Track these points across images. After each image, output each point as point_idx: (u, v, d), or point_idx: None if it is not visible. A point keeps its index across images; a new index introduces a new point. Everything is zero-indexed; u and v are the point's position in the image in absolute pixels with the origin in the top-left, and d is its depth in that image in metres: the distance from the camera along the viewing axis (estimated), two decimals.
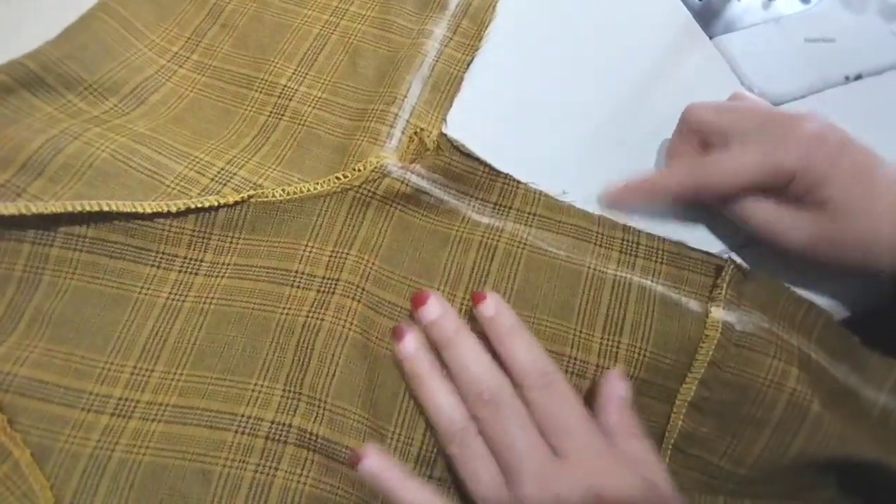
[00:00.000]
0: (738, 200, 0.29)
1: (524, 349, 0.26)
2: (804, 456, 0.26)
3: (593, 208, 0.31)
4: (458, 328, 0.26)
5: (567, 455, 0.24)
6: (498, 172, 0.31)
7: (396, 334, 0.27)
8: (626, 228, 0.31)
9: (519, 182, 0.31)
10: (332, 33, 0.37)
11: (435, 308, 0.26)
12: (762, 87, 0.37)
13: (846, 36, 0.39)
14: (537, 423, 0.24)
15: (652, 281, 0.29)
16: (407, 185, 0.30)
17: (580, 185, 0.32)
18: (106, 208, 0.27)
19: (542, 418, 0.24)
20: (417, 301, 0.27)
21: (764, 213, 0.29)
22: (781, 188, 0.28)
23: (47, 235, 0.28)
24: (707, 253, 0.30)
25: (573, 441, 0.24)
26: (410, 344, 0.26)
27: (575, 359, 0.28)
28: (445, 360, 0.26)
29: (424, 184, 0.30)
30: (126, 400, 0.26)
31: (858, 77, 0.38)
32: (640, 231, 0.31)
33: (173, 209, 0.28)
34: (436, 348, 0.26)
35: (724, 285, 0.29)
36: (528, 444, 0.24)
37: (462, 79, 0.36)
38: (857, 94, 0.37)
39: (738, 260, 0.30)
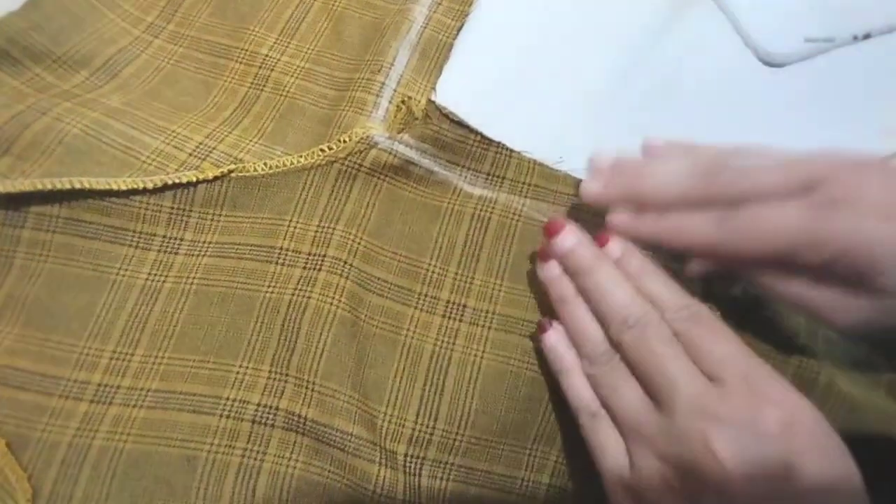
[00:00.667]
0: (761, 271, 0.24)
1: (661, 284, 0.24)
2: None
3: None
4: (596, 255, 0.24)
5: (726, 381, 0.21)
6: (490, 141, 0.29)
7: (542, 257, 0.26)
8: None
9: (512, 151, 0.30)
10: (315, 1, 0.35)
11: (571, 236, 0.25)
12: (766, 47, 0.35)
13: None
14: (688, 353, 0.22)
15: (652, 253, 0.28)
16: (395, 155, 0.28)
17: (577, 152, 0.31)
18: (78, 186, 0.26)
19: (693, 347, 0.22)
20: (552, 230, 0.25)
21: (795, 290, 0.23)
22: (820, 267, 0.22)
23: (18, 216, 0.26)
24: None
25: (731, 367, 0.21)
26: (555, 267, 0.25)
27: None
28: (585, 288, 0.24)
29: (413, 154, 0.28)
30: (106, 386, 0.25)
31: (867, 36, 0.36)
32: None
33: (150, 186, 0.27)
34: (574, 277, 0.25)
35: None
36: (681, 365, 0.21)
37: (451, 45, 0.34)
38: (866, 54, 0.36)
39: None
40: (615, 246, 0.25)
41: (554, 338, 0.25)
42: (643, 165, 0.26)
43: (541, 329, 0.25)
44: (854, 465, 0.21)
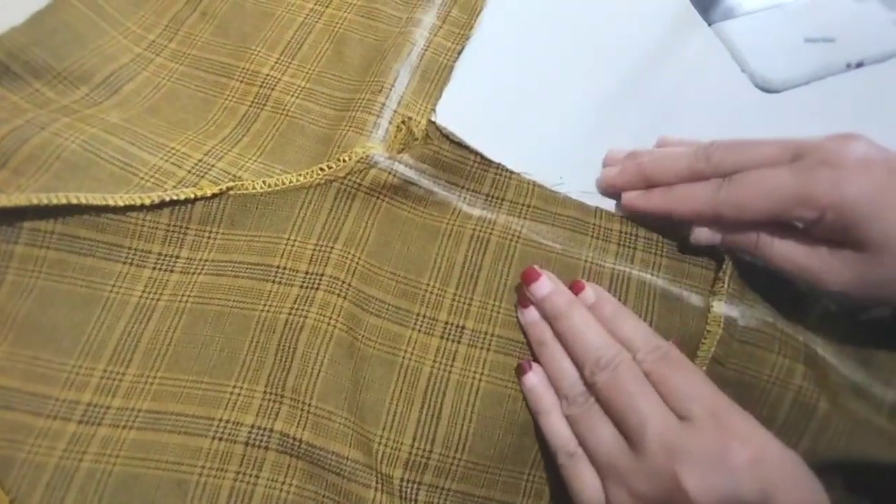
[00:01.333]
0: (758, 235, 0.26)
1: (633, 327, 0.25)
2: (811, 456, 0.25)
3: (590, 198, 0.30)
4: (570, 301, 0.26)
5: (695, 418, 0.22)
6: (490, 162, 0.29)
7: (521, 303, 0.27)
8: (623, 220, 0.29)
9: (511, 172, 0.30)
10: (316, 22, 0.35)
11: (546, 284, 0.26)
12: (763, 75, 0.35)
13: (848, 24, 0.38)
14: (658, 392, 0.23)
15: (651, 274, 0.28)
16: (394, 175, 0.28)
17: (577, 175, 0.31)
18: (74, 201, 0.26)
19: (662, 386, 0.23)
20: (528, 278, 0.27)
21: (790, 253, 0.26)
22: (810, 223, 0.25)
23: (11, 231, 0.26)
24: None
25: (699, 404, 0.22)
26: (533, 313, 0.27)
27: None
28: (560, 332, 0.26)
29: (412, 174, 0.28)
30: (95, 406, 0.25)
31: (860, 65, 0.37)
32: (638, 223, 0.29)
33: (147, 202, 0.27)
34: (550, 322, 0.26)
35: (726, 278, 0.27)
36: (651, 404, 0.22)
37: (452, 68, 0.34)
38: (858, 82, 0.36)
39: None
40: (589, 292, 0.27)
41: (534, 379, 0.25)
42: (652, 152, 0.30)
43: (521, 371, 0.26)
44: (826, 499, 0.21)
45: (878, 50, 0.37)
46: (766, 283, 0.28)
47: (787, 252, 0.26)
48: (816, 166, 0.24)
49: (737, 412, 0.22)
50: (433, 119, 0.31)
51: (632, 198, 0.29)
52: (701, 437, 0.21)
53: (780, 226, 0.26)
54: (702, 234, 0.27)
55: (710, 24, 0.38)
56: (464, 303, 0.27)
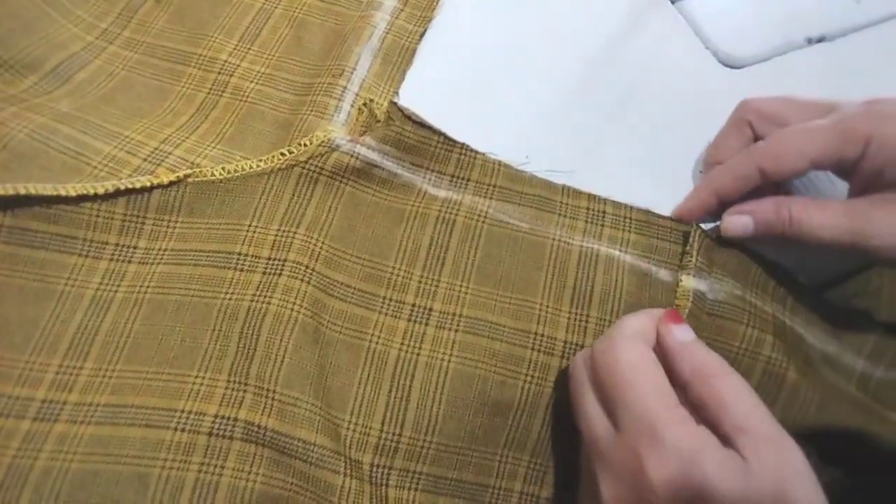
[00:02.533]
0: (790, 210, 0.26)
1: None
2: (782, 426, 0.25)
3: (557, 177, 0.30)
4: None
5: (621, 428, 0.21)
6: (454, 142, 0.29)
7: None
8: (591, 197, 0.29)
9: (476, 152, 0.29)
10: (275, 7, 0.35)
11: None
12: (726, 50, 0.36)
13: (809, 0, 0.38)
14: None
15: (620, 251, 0.28)
16: (357, 158, 0.28)
17: (542, 154, 0.31)
18: (24, 192, 0.25)
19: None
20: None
21: (831, 219, 0.25)
22: (852, 163, 0.25)
23: None
24: (676, 220, 0.29)
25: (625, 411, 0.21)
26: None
27: (542, 335, 0.26)
28: None
29: (375, 156, 0.28)
30: (50, 402, 0.24)
31: (821, 39, 0.37)
32: (605, 199, 0.29)
33: (101, 191, 0.26)
34: None
35: (694, 252, 0.27)
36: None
37: (415, 50, 0.34)
38: (819, 57, 0.37)
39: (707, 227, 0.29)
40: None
41: None
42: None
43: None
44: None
45: (839, 25, 0.37)
46: (735, 256, 0.28)
47: (827, 220, 0.25)
48: (853, 109, 0.25)
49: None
50: (396, 101, 0.30)
51: (686, 207, 0.29)
52: (623, 451, 0.21)
53: (812, 201, 0.26)
54: (732, 224, 0.27)
55: (673, 3, 0.38)
56: (430, 285, 0.27)
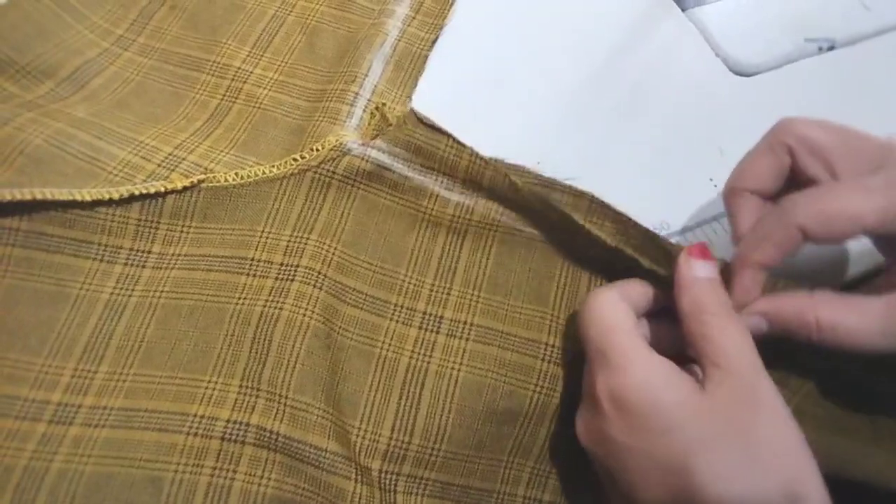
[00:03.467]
0: (816, 316, 0.22)
1: None
2: None
3: (567, 177, 0.29)
4: None
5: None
6: (463, 146, 0.28)
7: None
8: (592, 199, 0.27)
9: (486, 161, 0.29)
10: (288, 14, 0.35)
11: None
12: (736, 58, 0.36)
13: (819, 7, 0.38)
14: None
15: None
16: (368, 161, 0.28)
17: (552, 158, 0.31)
18: (40, 197, 0.25)
19: None
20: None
21: (860, 325, 0.21)
22: None
23: None
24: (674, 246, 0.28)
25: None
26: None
27: (552, 346, 0.26)
28: None
29: (386, 159, 0.28)
30: (66, 405, 0.24)
31: (832, 48, 0.37)
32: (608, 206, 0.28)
33: (116, 196, 0.26)
34: None
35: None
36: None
37: (426, 57, 0.34)
38: (830, 65, 0.36)
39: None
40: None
41: None
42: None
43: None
44: None
45: (849, 33, 0.37)
46: None
47: (864, 325, 0.21)
48: None
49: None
50: (411, 106, 0.31)
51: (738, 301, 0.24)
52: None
53: (842, 300, 0.22)
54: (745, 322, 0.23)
55: (683, 10, 0.38)
56: (442, 293, 0.27)
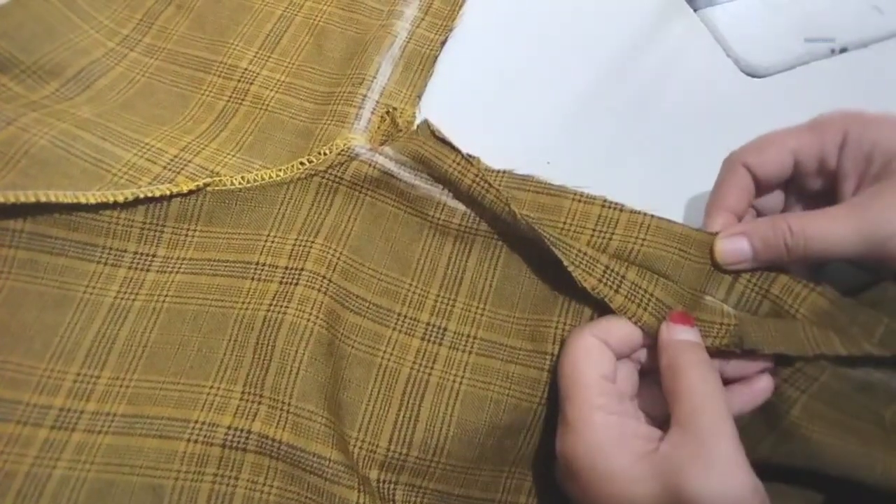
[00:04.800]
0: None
1: None
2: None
3: (576, 178, 0.29)
4: None
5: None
6: (469, 164, 0.27)
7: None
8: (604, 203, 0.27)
9: (489, 184, 0.26)
10: (296, 14, 0.35)
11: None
12: (747, 59, 0.35)
13: (830, 9, 0.38)
14: None
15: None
16: (374, 167, 0.28)
17: (562, 159, 0.31)
18: (44, 199, 0.25)
19: None
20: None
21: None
22: (837, 161, 0.24)
23: None
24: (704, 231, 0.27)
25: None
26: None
27: (558, 355, 0.25)
28: None
29: (392, 166, 0.28)
30: (68, 410, 0.24)
31: (844, 50, 0.36)
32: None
33: (121, 199, 0.26)
34: None
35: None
36: None
37: (436, 58, 0.34)
38: (842, 67, 0.36)
39: None
40: None
41: None
42: None
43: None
44: None
45: (862, 35, 0.37)
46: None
47: (834, 226, 0.23)
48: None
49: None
50: (417, 111, 0.30)
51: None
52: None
53: (811, 211, 0.24)
54: (726, 250, 0.24)
55: (695, 11, 0.37)
56: (447, 304, 0.27)
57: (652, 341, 0.24)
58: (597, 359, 0.23)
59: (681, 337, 0.23)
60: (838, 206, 0.24)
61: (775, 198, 0.27)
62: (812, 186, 0.26)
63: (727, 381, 0.24)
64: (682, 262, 0.25)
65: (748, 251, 0.24)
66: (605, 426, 0.21)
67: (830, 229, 0.23)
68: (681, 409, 0.21)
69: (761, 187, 0.26)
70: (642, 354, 0.25)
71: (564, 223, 0.26)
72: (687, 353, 0.23)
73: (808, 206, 0.26)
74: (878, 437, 0.23)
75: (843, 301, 0.24)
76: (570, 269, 0.25)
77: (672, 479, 0.20)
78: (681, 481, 0.19)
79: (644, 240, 0.25)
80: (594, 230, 0.26)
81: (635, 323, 0.24)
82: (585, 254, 0.25)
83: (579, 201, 0.26)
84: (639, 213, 0.26)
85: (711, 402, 0.21)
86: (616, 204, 0.26)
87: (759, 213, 0.28)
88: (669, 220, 0.26)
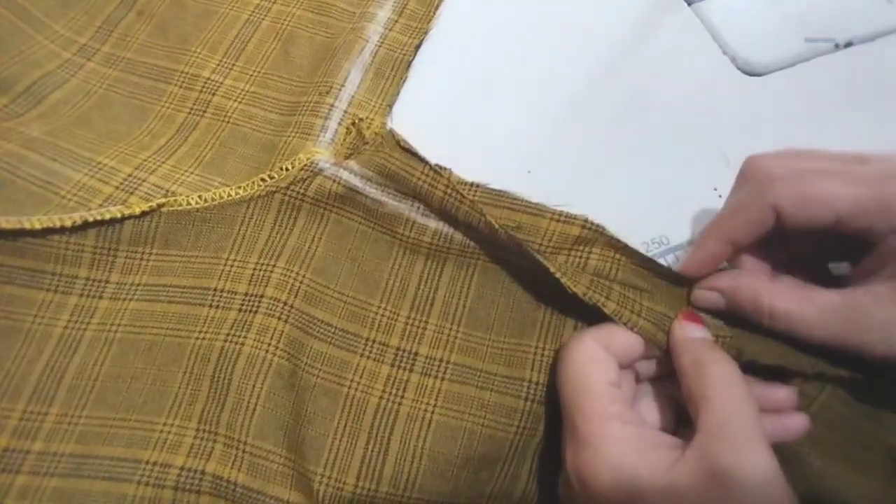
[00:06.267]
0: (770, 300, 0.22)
1: None
2: None
3: (561, 187, 0.27)
4: None
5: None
6: (439, 176, 0.25)
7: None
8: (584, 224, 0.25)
9: (462, 196, 0.25)
10: (263, 19, 0.33)
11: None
12: (745, 56, 0.33)
13: (836, 2, 0.35)
14: None
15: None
16: (339, 183, 0.26)
17: (548, 164, 0.29)
18: None
19: None
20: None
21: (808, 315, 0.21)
22: (876, 239, 0.21)
23: None
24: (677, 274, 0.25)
25: None
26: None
27: (536, 383, 0.24)
28: None
29: (357, 182, 0.26)
30: (13, 451, 0.22)
31: (849, 45, 0.34)
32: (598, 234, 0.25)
33: (68, 223, 0.24)
34: None
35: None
36: None
37: (409, 63, 0.32)
38: (847, 63, 0.34)
39: None
40: None
41: None
42: None
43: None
44: None
45: (868, 29, 0.34)
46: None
47: (820, 319, 0.21)
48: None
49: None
50: (388, 121, 0.28)
51: (696, 260, 0.24)
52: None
53: (800, 290, 0.22)
54: (702, 297, 0.23)
55: (689, 5, 0.35)
56: (418, 327, 0.25)
57: (651, 351, 0.22)
58: (603, 365, 0.21)
59: (697, 335, 0.22)
60: (832, 296, 0.21)
61: (807, 242, 0.23)
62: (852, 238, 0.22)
63: None
64: (661, 282, 0.24)
65: (722, 305, 0.23)
66: (624, 438, 0.20)
67: (815, 328, 0.21)
68: (709, 414, 0.19)
69: (789, 231, 0.22)
70: (640, 363, 0.23)
71: (541, 245, 0.24)
72: (709, 352, 0.21)
73: (840, 252, 0.23)
74: (889, 472, 0.21)
75: None
76: (558, 275, 0.23)
77: (711, 494, 0.18)
78: (721, 494, 0.18)
79: (621, 259, 0.24)
80: (570, 250, 0.24)
81: (631, 328, 0.22)
82: (569, 266, 0.24)
83: (558, 221, 0.24)
84: (617, 239, 0.24)
85: (744, 408, 0.19)
86: (597, 225, 0.24)
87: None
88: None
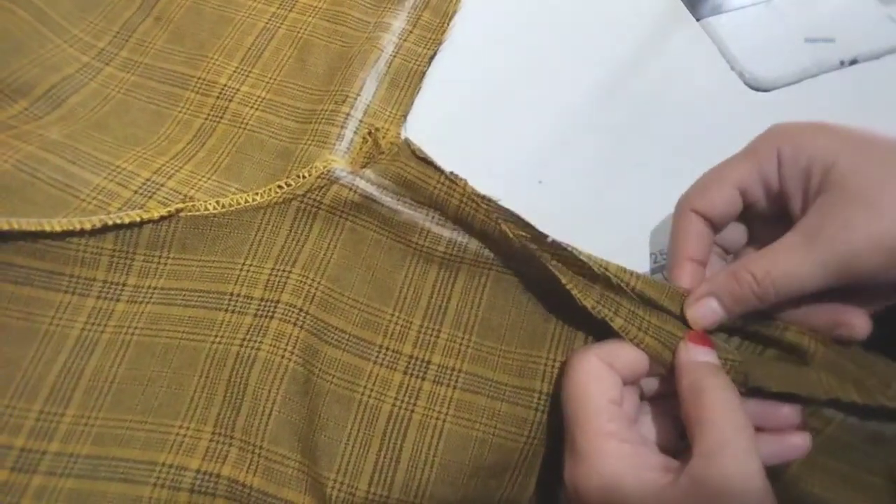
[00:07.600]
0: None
1: None
2: None
3: (570, 197, 0.27)
4: None
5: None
6: (455, 185, 0.25)
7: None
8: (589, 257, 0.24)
9: (478, 204, 0.25)
10: (279, 27, 0.33)
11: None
12: (753, 72, 0.33)
13: (842, 19, 0.36)
14: None
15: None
16: (355, 192, 0.26)
17: (555, 176, 0.29)
18: (6, 227, 0.24)
19: None
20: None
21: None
22: (779, 183, 0.23)
23: None
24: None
25: None
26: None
27: (547, 394, 0.24)
28: None
29: (374, 191, 0.26)
30: (30, 451, 0.23)
31: (854, 62, 0.35)
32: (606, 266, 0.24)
33: (88, 226, 0.24)
34: None
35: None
36: None
37: (423, 73, 0.32)
38: (853, 80, 0.34)
39: None
40: None
41: None
42: None
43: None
44: None
45: (873, 46, 0.35)
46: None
47: (795, 261, 0.21)
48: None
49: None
50: (403, 130, 0.29)
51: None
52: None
53: (764, 249, 0.23)
54: (700, 314, 0.23)
55: (698, 20, 0.36)
56: (430, 335, 0.25)
57: (656, 369, 0.23)
58: (605, 382, 0.22)
59: (701, 358, 0.22)
60: (792, 233, 0.22)
61: (736, 230, 0.26)
62: (769, 211, 0.24)
63: None
64: (671, 301, 0.23)
65: (720, 311, 0.23)
66: (619, 456, 0.20)
67: (794, 268, 0.21)
68: (705, 439, 0.19)
69: (717, 226, 0.24)
70: (645, 381, 0.23)
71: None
72: (711, 376, 0.21)
73: (773, 231, 0.24)
74: (888, 492, 0.21)
75: (857, 352, 0.22)
76: (569, 287, 0.23)
77: None
78: None
79: (632, 276, 0.24)
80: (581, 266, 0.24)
81: (637, 345, 0.22)
82: (581, 278, 0.24)
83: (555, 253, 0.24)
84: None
85: (740, 435, 0.19)
86: (602, 261, 0.24)
87: (726, 251, 0.26)
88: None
